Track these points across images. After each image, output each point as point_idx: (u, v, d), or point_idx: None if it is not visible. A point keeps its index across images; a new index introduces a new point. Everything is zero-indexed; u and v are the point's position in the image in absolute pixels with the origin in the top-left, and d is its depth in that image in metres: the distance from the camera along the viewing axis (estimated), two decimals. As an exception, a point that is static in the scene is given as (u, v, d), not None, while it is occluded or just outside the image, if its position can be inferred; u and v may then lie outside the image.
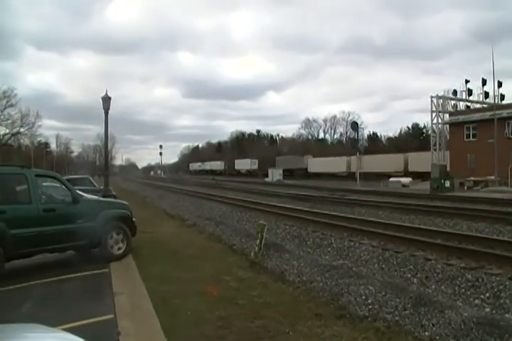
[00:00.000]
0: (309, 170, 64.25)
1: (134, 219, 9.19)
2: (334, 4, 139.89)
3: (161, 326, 4.72)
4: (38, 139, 75.51)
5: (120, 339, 4.39)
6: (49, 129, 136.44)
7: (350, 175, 51.19)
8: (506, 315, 4.92)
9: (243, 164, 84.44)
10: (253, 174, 76.35)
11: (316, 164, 63.36)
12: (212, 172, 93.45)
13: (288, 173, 66.72)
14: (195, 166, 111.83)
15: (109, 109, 15.68)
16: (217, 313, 5.13)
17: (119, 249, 8.53)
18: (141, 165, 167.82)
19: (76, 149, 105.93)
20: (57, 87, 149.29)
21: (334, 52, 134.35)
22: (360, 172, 39.55)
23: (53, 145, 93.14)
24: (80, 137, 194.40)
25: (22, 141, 69.62)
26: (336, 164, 57.50)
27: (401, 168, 46.99)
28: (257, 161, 79.57)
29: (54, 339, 2.09)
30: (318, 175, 59.75)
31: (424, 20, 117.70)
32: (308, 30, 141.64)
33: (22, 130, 64.62)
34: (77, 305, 5.56)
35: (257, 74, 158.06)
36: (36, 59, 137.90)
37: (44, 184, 7.99)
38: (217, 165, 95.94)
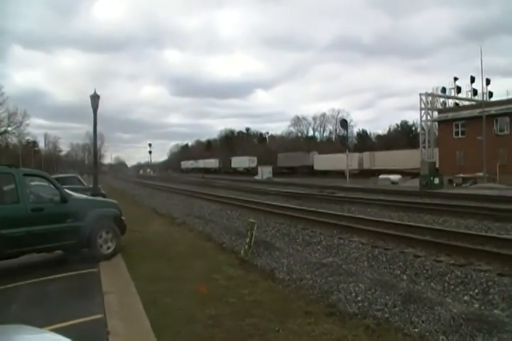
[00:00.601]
0: (315, 167, 60.74)
1: (123, 217, 9.14)
2: (322, 2, 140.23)
3: (151, 325, 4.69)
4: (26, 138, 75.21)
5: (109, 338, 4.36)
6: (37, 128, 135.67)
7: (361, 173, 48.49)
8: (495, 311, 4.97)
9: (240, 162, 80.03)
10: (251, 172, 69.14)
11: (323, 161, 59.76)
12: (206, 170, 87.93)
13: (289, 171, 63.97)
14: (187, 164, 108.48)
15: (97, 107, 15.60)
16: (208, 312, 5.10)
17: (109, 248, 8.47)
18: (130, 163, 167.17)
19: (65, 148, 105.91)
20: (45, 85, 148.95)
21: (323, 50, 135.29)
22: (349, 170, 39.17)
23: (42, 144, 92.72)
24: (69, 136, 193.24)
25: (10, 139, 69.17)
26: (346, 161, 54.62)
27: (419, 164, 44.61)
28: (255, 159, 75.89)
29: (41, 340, 2.07)
30: (324, 173, 56.63)
31: (413, 19, 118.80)
32: (297, 28, 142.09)
33: (9, 129, 64.25)
34: (65, 305, 5.49)
35: (246, 72, 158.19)
36: (23, 58, 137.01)
37: (32, 183, 7.90)
38: (212, 163, 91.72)
